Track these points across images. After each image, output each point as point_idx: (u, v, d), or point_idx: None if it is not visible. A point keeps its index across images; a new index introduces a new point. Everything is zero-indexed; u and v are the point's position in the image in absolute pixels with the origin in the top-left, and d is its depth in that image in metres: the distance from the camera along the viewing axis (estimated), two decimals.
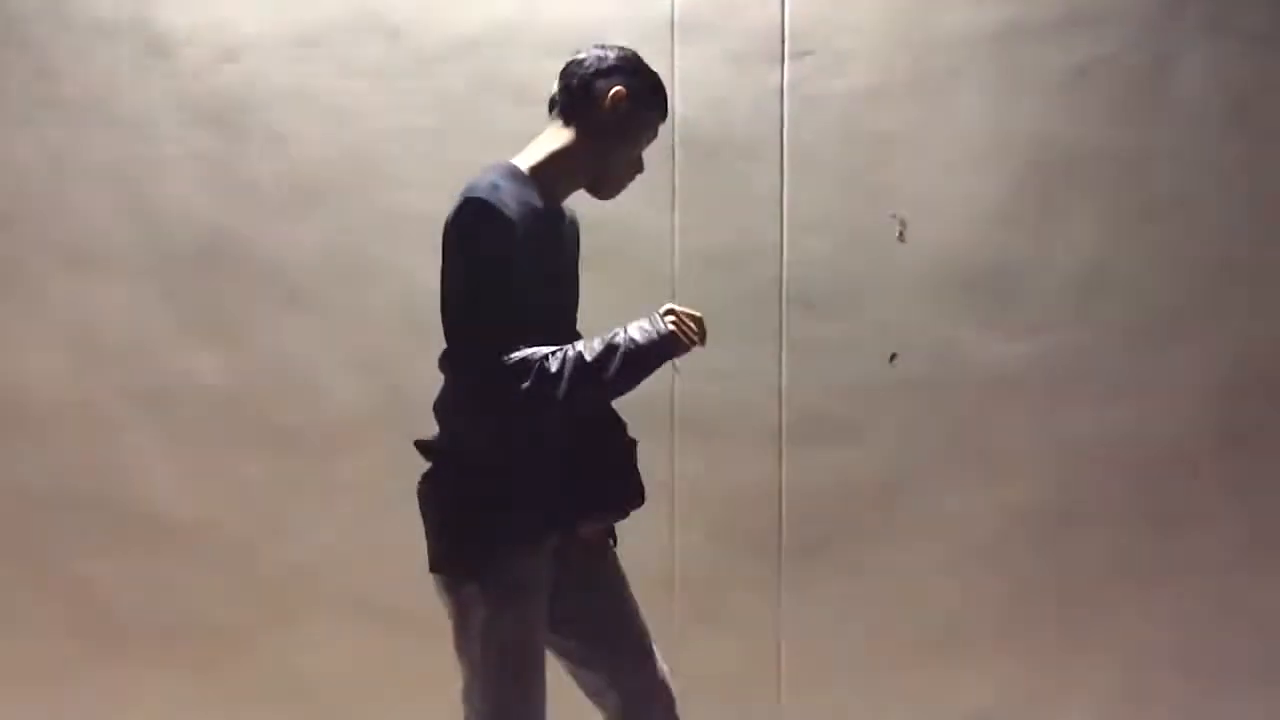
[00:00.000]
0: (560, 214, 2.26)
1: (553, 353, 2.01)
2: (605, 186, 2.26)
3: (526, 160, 2.19)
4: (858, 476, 3.29)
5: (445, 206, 2.99)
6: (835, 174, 3.26)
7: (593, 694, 2.32)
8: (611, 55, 2.22)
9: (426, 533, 2.18)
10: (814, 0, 3.25)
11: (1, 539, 3.35)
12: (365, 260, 3.34)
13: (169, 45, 3.28)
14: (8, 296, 3.34)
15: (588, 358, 2.01)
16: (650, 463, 3.13)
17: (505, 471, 2.11)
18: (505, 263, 2.02)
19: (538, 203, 2.12)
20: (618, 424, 2.24)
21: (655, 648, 2.31)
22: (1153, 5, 3.27)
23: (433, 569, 2.17)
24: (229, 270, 3.33)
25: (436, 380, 3.32)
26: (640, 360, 2.03)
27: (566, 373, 1.99)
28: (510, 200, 2.04)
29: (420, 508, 2.20)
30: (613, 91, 2.17)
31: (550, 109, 2.24)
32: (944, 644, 3.32)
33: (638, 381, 2.06)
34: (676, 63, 3.23)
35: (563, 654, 2.28)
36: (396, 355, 3.32)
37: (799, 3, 3.25)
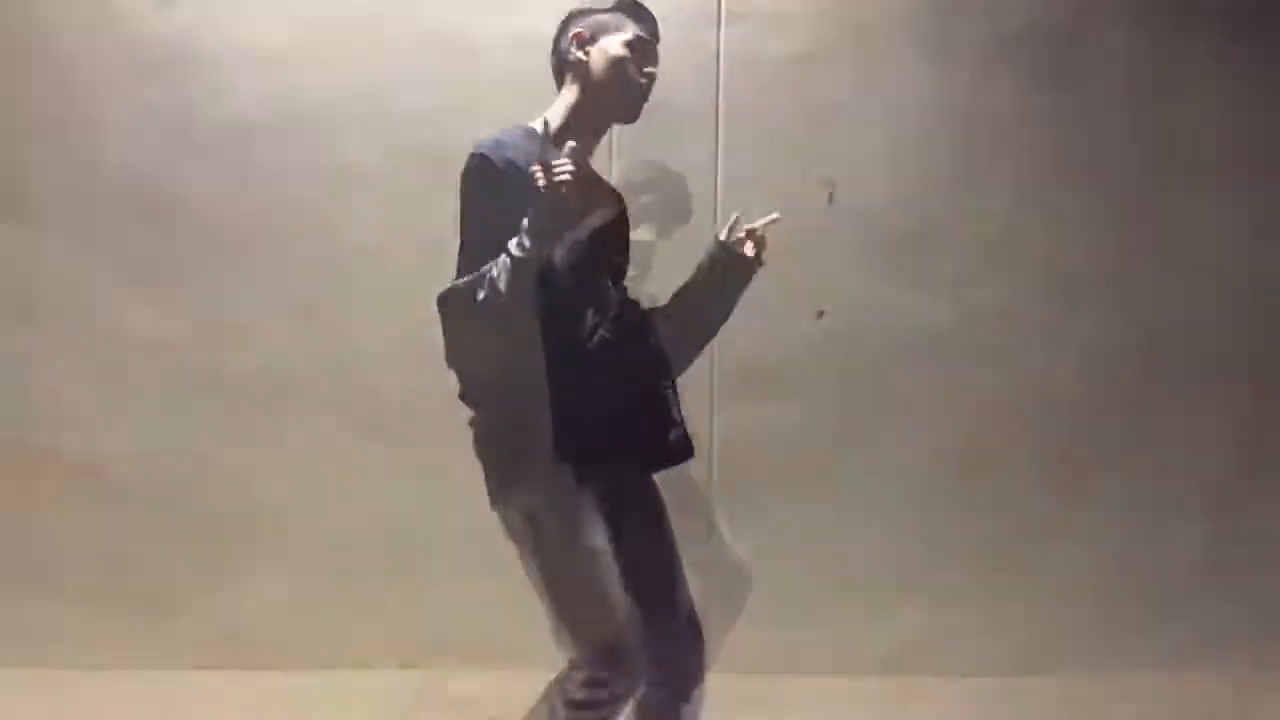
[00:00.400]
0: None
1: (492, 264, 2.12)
2: (624, 111, 2.35)
3: (550, 121, 2.31)
4: (786, 427, 3.52)
5: (383, 158, 3.09)
6: (769, 137, 3.47)
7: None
8: (570, 9, 2.35)
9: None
10: None
11: None
12: (301, 210, 3.49)
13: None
14: None
15: (516, 252, 2.10)
16: None
17: (518, 410, 2.24)
18: (488, 210, 2.13)
19: (549, 157, 2.22)
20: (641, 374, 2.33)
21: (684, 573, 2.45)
22: None
23: (491, 505, 2.32)
24: (165, 220, 3.44)
25: (373, 326, 3.51)
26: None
27: (501, 271, 2.09)
28: (508, 154, 2.15)
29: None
30: (573, 34, 2.29)
31: (556, 79, 2.37)
32: (869, 583, 3.58)
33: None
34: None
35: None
36: (332, 303, 3.49)
37: None
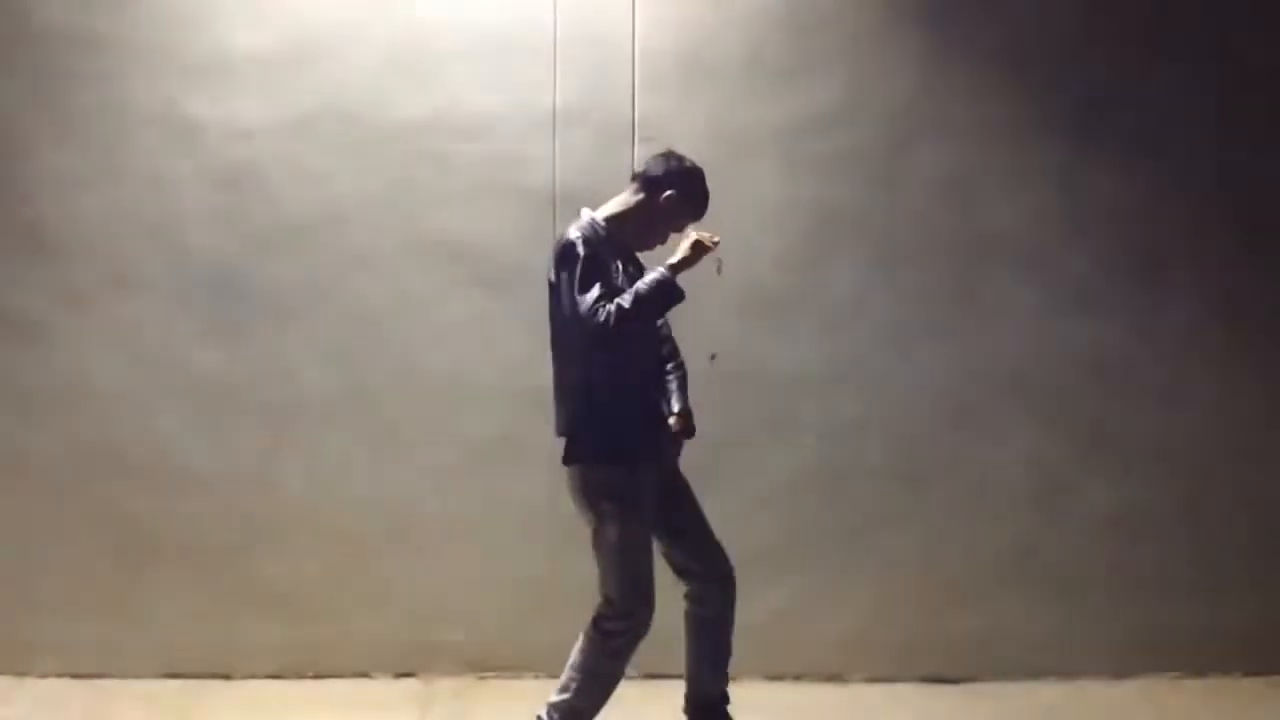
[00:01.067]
0: (629, 253, 3.40)
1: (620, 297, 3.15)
2: (644, 244, 3.43)
3: (604, 211, 3.38)
4: (687, 446, 4.05)
5: (392, 248, 4.10)
6: None
7: (678, 570, 3.50)
8: (686, 165, 3.38)
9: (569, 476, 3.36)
10: (655, 98, 4.40)
11: (64, 487, 4.38)
12: (334, 284, 4.40)
13: (195, 128, 4.40)
14: (75, 312, 4.37)
15: (642, 289, 3.18)
16: (540, 431, 4.27)
17: (605, 427, 3.28)
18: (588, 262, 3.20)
19: (601, 238, 3.28)
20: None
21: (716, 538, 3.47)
22: (894, 105, 4.45)
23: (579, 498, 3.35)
24: (235, 291, 4.39)
25: (387, 370, 4.39)
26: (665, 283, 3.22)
27: (631, 300, 3.16)
28: (582, 231, 3.26)
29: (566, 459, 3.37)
30: (666, 195, 3.35)
31: (631, 178, 3.41)
32: (752, 562, 4.04)
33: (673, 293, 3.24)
34: (556, 143, 4.40)
35: (660, 540, 3.44)
36: (357, 352, 4.40)
37: (645, 101, 4.41)
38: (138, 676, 4.33)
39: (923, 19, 4.48)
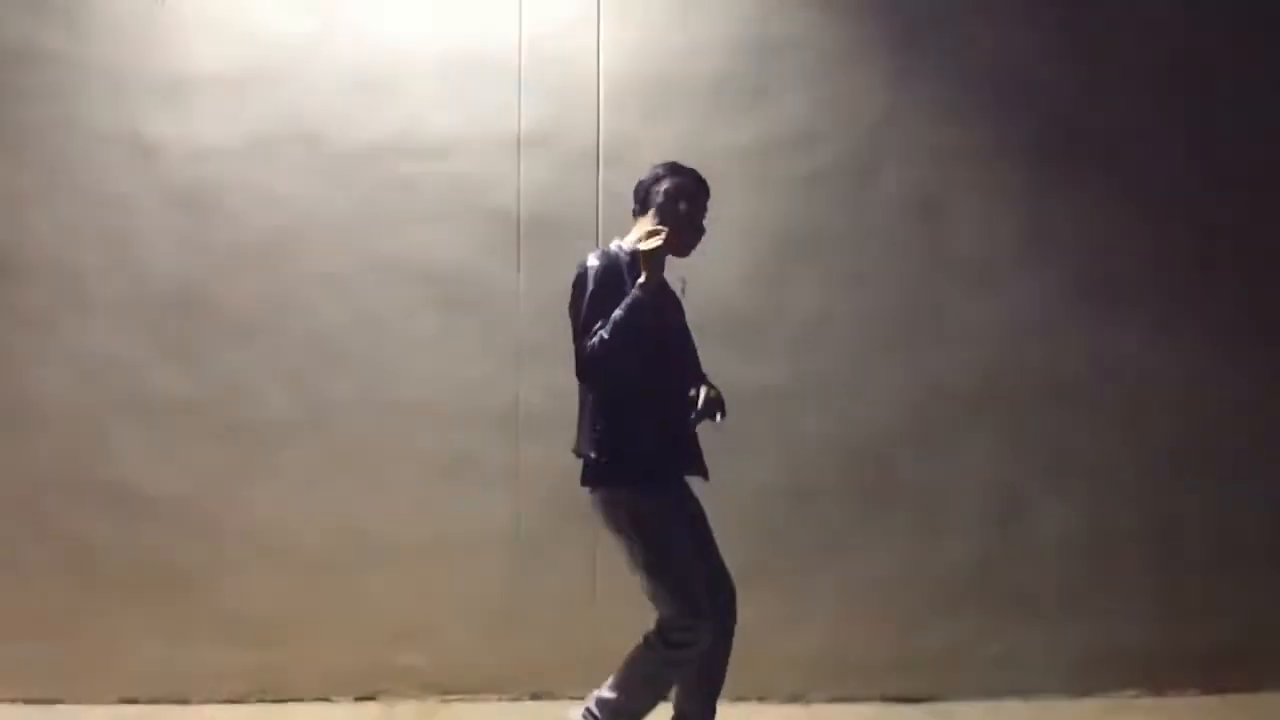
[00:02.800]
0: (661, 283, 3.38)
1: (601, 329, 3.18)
2: (678, 249, 3.39)
3: (626, 240, 3.38)
4: None
5: (354, 269, 4.08)
6: None
7: None
8: (664, 164, 3.42)
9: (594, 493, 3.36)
10: (622, 122, 4.43)
11: (19, 510, 4.34)
12: (295, 304, 4.38)
13: (154, 148, 4.37)
14: (31, 332, 4.33)
15: (618, 315, 3.16)
16: (502, 452, 4.29)
17: (622, 448, 3.27)
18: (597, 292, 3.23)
19: (623, 266, 3.29)
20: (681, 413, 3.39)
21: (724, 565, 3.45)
22: (859, 128, 4.51)
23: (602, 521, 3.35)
24: (194, 312, 4.36)
25: (349, 391, 4.37)
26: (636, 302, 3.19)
27: (609, 328, 3.16)
28: (599, 261, 3.28)
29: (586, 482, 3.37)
30: (659, 195, 3.37)
31: (633, 214, 3.43)
32: None
33: (646, 311, 3.20)
34: (521, 165, 4.41)
35: None
36: (319, 373, 4.38)
37: (610, 124, 4.43)
38: (94, 702, 4.28)
39: (888, 44, 4.54)
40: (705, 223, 3.47)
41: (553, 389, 4.29)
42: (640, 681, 3.33)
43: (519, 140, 4.43)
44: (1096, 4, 4.61)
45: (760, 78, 4.50)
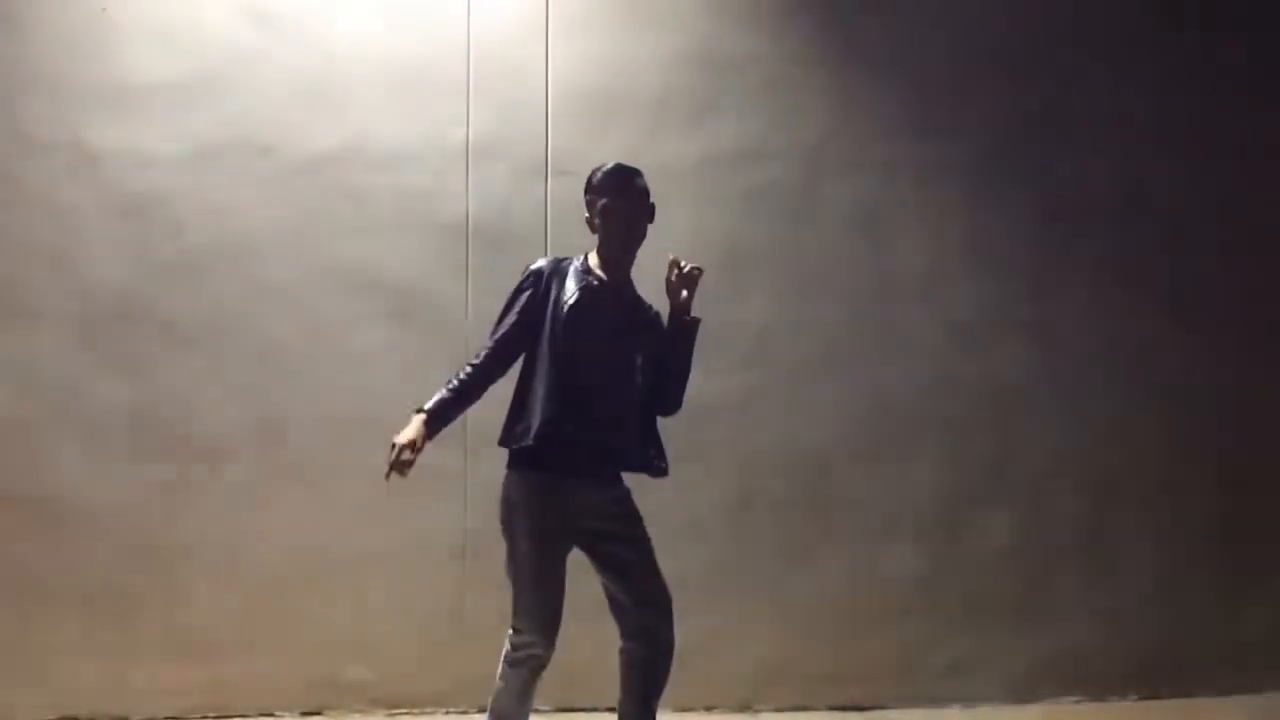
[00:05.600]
0: (616, 289, 3.38)
1: (468, 367, 3.23)
2: (618, 250, 3.39)
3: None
4: None
5: (302, 280, 4.04)
6: None
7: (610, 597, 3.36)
8: (589, 178, 3.39)
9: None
10: (570, 135, 4.46)
11: None
12: (241, 315, 4.34)
13: (97, 157, 4.32)
14: None
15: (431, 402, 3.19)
16: (451, 465, 4.26)
17: (508, 430, 3.25)
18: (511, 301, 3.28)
19: (584, 273, 3.32)
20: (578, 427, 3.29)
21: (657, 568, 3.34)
22: (804, 144, 4.58)
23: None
24: (137, 322, 4.31)
25: (297, 404, 4.34)
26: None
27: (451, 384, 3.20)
28: (550, 264, 3.32)
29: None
30: (586, 200, 3.37)
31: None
32: None
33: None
34: (470, 176, 4.43)
35: (599, 571, 3.34)
36: (265, 385, 4.34)
37: (559, 136, 4.47)
38: None
39: (833, 62, 4.63)
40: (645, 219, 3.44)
41: (501, 401, 4.28)
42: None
43: (468, 152, 4.45)
44: (1035, 23, 4.73)
45: (706, 93, 4.56)
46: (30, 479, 4.28)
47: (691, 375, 4.39)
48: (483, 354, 3.27)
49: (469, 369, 3.26)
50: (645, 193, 3.43)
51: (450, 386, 3.24)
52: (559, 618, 3.24)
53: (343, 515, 4.38)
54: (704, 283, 4.41)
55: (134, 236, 4.35)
